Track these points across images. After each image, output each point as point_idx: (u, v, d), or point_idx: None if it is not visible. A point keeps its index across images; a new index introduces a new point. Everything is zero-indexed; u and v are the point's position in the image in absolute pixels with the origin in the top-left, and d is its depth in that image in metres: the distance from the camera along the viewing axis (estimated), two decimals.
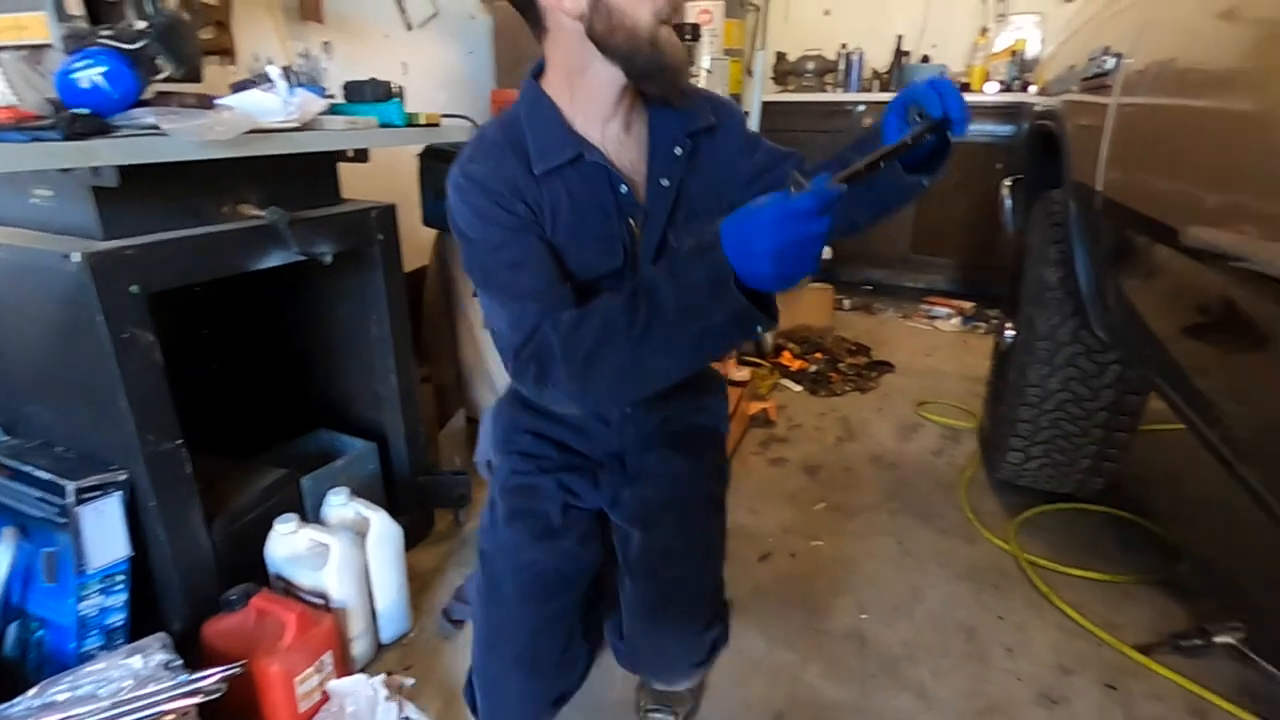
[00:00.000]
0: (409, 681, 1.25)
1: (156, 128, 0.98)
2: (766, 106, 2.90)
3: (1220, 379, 0.92)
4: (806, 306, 3.11)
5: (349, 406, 1.64)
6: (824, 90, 3.82)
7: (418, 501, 1.65)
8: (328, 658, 1.18)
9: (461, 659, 1.25)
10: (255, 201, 1.21)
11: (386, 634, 1.38)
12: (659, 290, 0.72)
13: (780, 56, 3.88)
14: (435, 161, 1.77)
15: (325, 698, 1.18)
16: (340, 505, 1.34)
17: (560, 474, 1.01)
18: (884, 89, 3.69)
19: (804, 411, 2.47)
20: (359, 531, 1.31)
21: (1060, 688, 1.29)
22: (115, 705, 0.93)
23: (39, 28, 1.02)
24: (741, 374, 2.32)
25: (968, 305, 3.48)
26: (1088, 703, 1.26)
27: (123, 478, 1.08)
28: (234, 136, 1.04)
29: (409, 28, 2.26)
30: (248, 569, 1.24)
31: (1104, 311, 1.33)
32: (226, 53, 1.65)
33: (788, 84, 3.89)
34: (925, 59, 3.75)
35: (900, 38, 3.70)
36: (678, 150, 0.90)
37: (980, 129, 3.30)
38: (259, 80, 1.22)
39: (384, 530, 1.34)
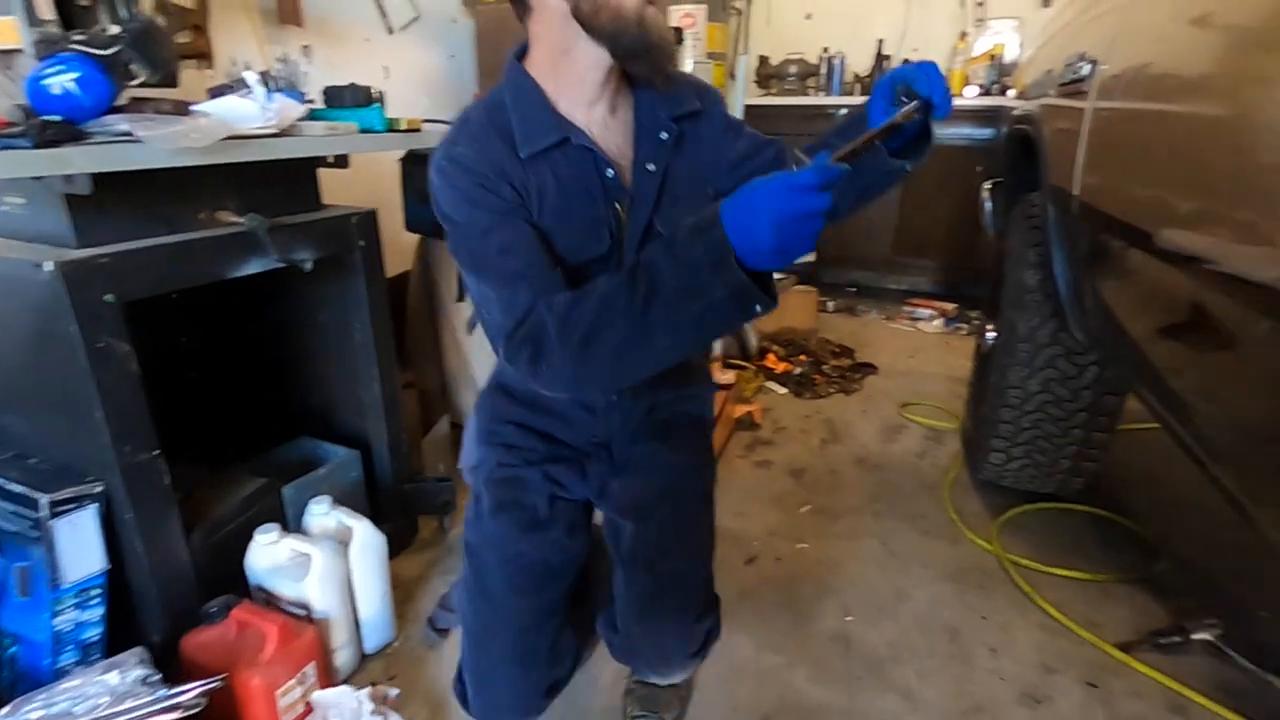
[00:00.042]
0: (394, 692, 1.24)
1: (130, 135, 0.97)
2: (749, 110, 2.90)
3: (1193, 380, 0.94)
4: (791, 309, 3.12)
5: (331, 414, 1.62)
6: (806, 94, 3.85)
7: (401, 509, 1.63)
8: (310, 669, 1.17)
9: (447, 668, 1.24)
10: (233, 208, 1.19)
11: (370, 644, 1.36)
12: (658, 269, 0.71)
13: (763, 60, 3.91)
14: (417, 166, 1.76)
15: (309, 710, 1.16)
16: (322, 514, 1.33)
17: (546, 465, 1.00)
18: (865, 92, 3.71)
19: (789, 414, 2.47)
20: (342, 541, 1.30)
21: (1043, 687, 1.31)
22: None
23: (9, 32, 1.01)
24: (726, 377, 2.32)
25: (950, 307, 3.51)
26: (1070, 701, 1.27)
27: (98, 489, 1.07)
28: (210, 144, 1.02)
29: (390, 31, 2.25)
30: (228, 580, 1.22)
31: (1082, 314, 1.35)
32: (203, 57, 1.64)
33: (770, 87, 3.91)
34: (905, 63, 3.78)
35: (881, 42, 3.74)
36: (664, 135, 0.90)
37: (960, 132, 3.35)
38: (236, 86, 1.20)
39: (367, 539, 1.32)
